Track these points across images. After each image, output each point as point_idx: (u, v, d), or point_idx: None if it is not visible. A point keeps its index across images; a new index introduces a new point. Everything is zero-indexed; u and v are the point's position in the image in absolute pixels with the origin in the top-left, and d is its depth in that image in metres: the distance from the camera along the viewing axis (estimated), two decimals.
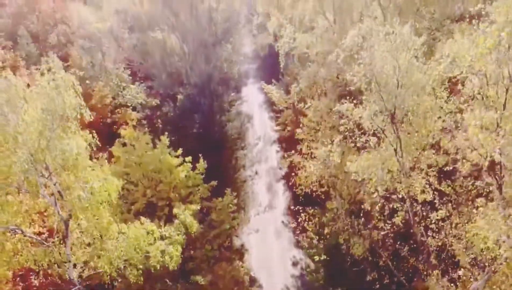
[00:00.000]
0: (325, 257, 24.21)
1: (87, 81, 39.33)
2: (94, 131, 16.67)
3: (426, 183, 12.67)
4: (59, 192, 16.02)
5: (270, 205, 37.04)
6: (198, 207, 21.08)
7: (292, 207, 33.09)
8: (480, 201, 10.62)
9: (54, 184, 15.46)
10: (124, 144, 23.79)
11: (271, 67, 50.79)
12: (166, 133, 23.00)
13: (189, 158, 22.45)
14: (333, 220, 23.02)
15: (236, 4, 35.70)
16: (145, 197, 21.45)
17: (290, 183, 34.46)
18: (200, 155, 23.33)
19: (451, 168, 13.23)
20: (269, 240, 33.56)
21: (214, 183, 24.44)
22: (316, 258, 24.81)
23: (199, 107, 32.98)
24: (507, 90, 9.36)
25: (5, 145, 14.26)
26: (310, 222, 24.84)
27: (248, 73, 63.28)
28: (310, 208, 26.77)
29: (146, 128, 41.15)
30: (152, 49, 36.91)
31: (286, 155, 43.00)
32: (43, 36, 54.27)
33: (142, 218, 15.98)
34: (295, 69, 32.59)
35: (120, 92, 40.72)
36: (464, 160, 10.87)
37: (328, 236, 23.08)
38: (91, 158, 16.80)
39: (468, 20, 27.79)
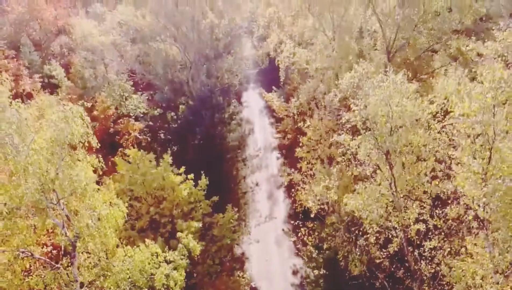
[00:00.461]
0: (324, 271, 24.82)
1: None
2: (100, 156, 17.25)
3: (419, 215, 13.27)
4: (66, 215, 16.63)
5: (271, 214, 37.71)
6: (200, 225, 21.69)
7: (292, 221, 33.77)
8: (468, 239, 11.19)
9: (62, 209, 16.06)
10: (128, 162, 24.42)
11: (271, 72, 51.41)
12: (169, 151, 23.56)
13: (191, 176, 23.04)
14: (332, 235, 23.63)
15: (238, 18, 36.25)
16: (148, 214, 22.06)
17: (291, 199, 35.22)
18: (202, 172, 23.89)
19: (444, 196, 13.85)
20: (269, 248, 34.16)
21: (215, 198, 25.04)
22: (316, 272, 25.44)
23: (200, 119, 33.57)
24: (491, 148, 9.91)
25: (16, 174, 14.82)
26: (310, 237, 25.43)
27: (249, 78, 63.75)
28: (310, 222, 27.37)
29: (148, 138, 41.89)
30: (155, 60, 37.49)
31: (286, 169, 43.70)
32: (46, 44, 54.83)
33: (147, 240, 16.56)
34: (295, 81, 33.14)
35: (123, 102, 41.34)
36: (452, 204, 11.47)
37: (327, 251, 23.67)
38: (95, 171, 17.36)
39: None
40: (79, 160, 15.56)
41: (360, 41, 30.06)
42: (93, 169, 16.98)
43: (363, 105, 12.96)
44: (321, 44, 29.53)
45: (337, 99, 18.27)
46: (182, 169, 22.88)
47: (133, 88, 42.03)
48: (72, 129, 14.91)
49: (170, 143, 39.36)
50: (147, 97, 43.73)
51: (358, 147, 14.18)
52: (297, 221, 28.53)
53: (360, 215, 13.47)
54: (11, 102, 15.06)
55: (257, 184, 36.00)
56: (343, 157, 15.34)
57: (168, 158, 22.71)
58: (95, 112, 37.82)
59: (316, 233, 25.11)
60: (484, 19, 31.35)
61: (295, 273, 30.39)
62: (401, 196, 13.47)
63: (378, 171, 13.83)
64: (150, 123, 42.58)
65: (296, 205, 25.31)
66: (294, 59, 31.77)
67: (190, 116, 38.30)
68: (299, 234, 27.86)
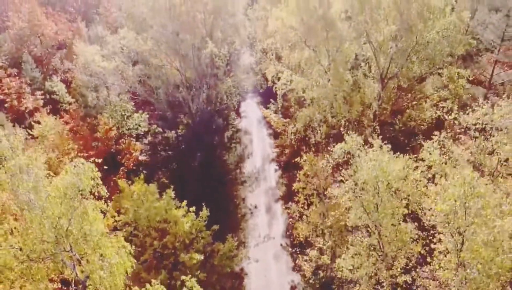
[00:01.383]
0: None
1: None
2: (109, 205, 18.32)
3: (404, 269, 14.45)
4: (78, 259, 17.75)
5: (270, 226, 38.71)
6: (202, 257, 22.84)
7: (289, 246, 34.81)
8: None
9: (74, 255, 17.15)
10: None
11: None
12: (172, 187, 24.66)
13: (193, 208, 24.17)
14: (329, 263, 24.80)
15: (237, 41, 37.28)
16: (152, 246, 23.18)
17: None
18: (203, 203, 25.01)
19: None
20: (268, 263, 35.25)
21: (215, 227, 26.17)
22: None
23: (200, 142, 34.63)
24: (462, 242, 11.06)
25: (32, 226, 15.89)
26: (307, 264, 26.59)
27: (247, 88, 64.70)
28: (307, 248, 28.55)
29: (149, 157, 42.87)
30: (156, 83, 38.49)
31: (283, 182, 44.75)
32: (47, 59, 55.70)
33: (153, 281, 17.66)
34: (292, 106, 34.30)
35: (124, 122, 42.29)
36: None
37: (323, 280, 24.85)
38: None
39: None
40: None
41: (355, 71, 31.21)
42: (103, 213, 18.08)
43: (352, 184, 14.13)
44: (317, 73, 30.63)
45: (330, 166, 19.41)
46: (184, 203, 23.99)
47: (134, 108, 43.00)
48: (83, 183, 15.95)
49: (170, 163, 40.45)
50: (147, 116, 44.73)
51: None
52: (295, 249, 29.61)
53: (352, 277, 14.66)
54: (48, 175, 16.14)
55: (255, 207, 37.08)
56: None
57: (170, 192, 23.82)
58: (97, 133, 38.79)
59: (313, 261, 26.25)
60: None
61: (293, 288, 31.53)
62: (390, 258, 14.64)
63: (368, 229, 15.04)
64: (150, 140, 43.63)
65: (294, 237, 26.44)
66: (291, 86, 32.90)
67: (190, 137, 39.34)
68: (297, 261, 29.02)
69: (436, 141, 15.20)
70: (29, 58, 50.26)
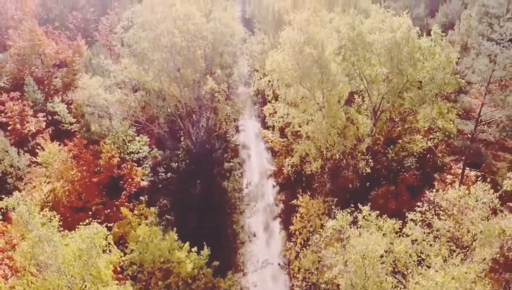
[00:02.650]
0: None
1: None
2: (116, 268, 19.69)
3: None
4: None
5: (268, 246, 40.06)
6: None
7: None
8: None
9: None
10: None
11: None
12: (175, 229, 26.05)
13: (194, 249, 25.59)
14: None
15: (236, 74, 38.63)
16: (157, 286, 24.59)
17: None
18: (204, 243, 26.44)
19: None
20: (266, 283, 36.65)
21: (216, 263, 27.60)
22: None
23: (200, 171, 35.96)
24: None
25: (49, 284, 17.19)
26: None
27: (245, 103, 65.90)
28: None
29: (150, 183, 44.10)
30: (157, 111, 39.78)
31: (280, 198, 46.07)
32: (48, 79, 56.69)
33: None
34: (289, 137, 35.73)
35: (125, 146, 43.57)
36: None
37: None
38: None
39: None
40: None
41: (348, 108, 32.66)
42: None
43: (343, 265, 15.60)
44: (312, 109, 32.03)
45: (322, 241, 20.81)
46: (187, 245, 25.40)
47: (136, 132, 44.23)
48: (96, 245, 17.29)
49: (171, 188, 41.73)
50: (148, 139, 45.99)
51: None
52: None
53: None
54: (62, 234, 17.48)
55: (254, 235, 38.49)
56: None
57: (173, 235, 25.24)
58: (100, 161, 40.00)
59: None
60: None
61: None
62: None
63: None
64: (151, 164, 44.87)
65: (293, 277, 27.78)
66: (288, 119, 34.32)
67: (191, 163, 40.63)
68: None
69: (418, 213, 16.66)
70: (31, 80, 51.22)
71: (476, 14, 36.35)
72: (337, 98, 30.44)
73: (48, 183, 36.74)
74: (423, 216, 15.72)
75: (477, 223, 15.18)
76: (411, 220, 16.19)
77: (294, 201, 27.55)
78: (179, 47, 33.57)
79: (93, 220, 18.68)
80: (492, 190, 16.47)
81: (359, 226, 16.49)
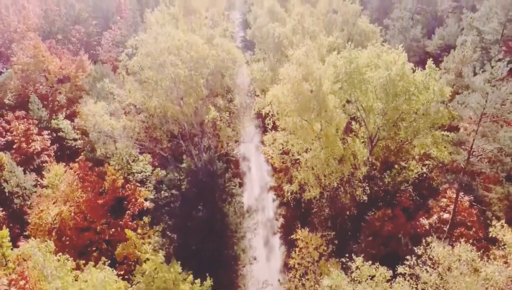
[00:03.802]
0: None
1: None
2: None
3: None
4: None
5: (268, 262, 41.16)
6: None
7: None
8: None
9: None
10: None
11: None
12: (179, 261, 27.19)
13: (198, 280, 26.79)
14: None
15: (237, 100, 39.80)
16: None
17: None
18: (207, 273, 27.61)
19: None
20: None
21: None
22: None
23: (202, 196, 36.96)
24: None
25: None
26: None
27: (245, 112, 66.83)
28: None
29: (154, 200, 45.20)
30: (160, 134, 40.88)
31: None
32: (52, 96, 57.74)
33: None
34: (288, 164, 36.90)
35: (129, 165, 44.70)
36: None
37: None
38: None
39: None
40: None
41: (346, 137, 33.81)
42: None
43: None
44: (310, 138, 33.16)
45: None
46: (190, 278, 26.59)
47: (139, 151, 45.33)
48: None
49: (174, 209, 42.82)
50: (151, 159, 47.13)
51: None
52: None
53: None
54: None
55: (255, 258, 39.65)
56: None
57: (178, 267, 26.41)
58: (105, 183, 41.11)
59: None
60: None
61: None
62: None
63: None
64: (154, 183, 45.97)
65: None
66: (287, 147, 35.49)
67: (193, 184, 41.63)
68: None
69: (406, 267, 17.84)
70: (36, 99, 52.26)
71: (471, 43, 37.45)
72: (334, 129, 31.55)
73: (55, 206, 37.84)
74: (411, 270, 16.86)
75: (459, 281, 16.39)
76: (400, 274, 17.35)
77: (293, 236, 28.75)
78: (182, 78, 34.65)
79: (105, 261, 19.73)
80: (473, 250, 17.69)
81: (352, 278, 17.65)
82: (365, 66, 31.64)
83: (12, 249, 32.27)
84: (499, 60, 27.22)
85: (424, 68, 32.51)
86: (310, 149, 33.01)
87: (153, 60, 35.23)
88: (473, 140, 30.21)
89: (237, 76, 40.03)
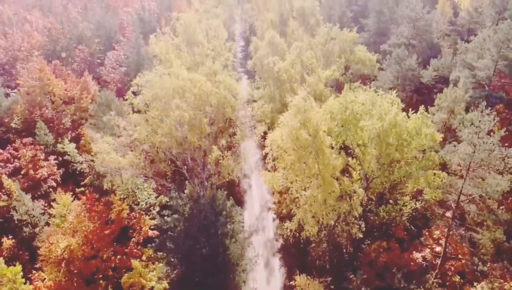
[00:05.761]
0: None
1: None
2: None
3: None
4: None
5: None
6: None
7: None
8: None
9: None
10: None
11: None
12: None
13: None
14: None
15: (239, 135, 41.45)
16: None
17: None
18: None
19: None
20: None
21: None
22: None
23: (205, 230, 38.66)
24: None
25: None
26: None
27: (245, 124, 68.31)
28: None
29: (158, 227, 46.89)
30: (164, 167, 42.54)
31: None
32: (58, 120, 59.14)
33: None
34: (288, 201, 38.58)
35: (134, 194, 46.41)
36: None
37: None
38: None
39: None
40: None
41: (342, 177, 35.51)
42: None
43: None
44: (308, 177, 34.85)
45: None
46: None
47: (143, 179, 46.98)
48: None
49: (177, 238, 44.53)
50: (154, 186, 48.80)
51: None
52: None
53: None
54: None
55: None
56: None
57: None
58: (111, 214, 42.77)
59: None
60: None
61: None
62: None
63: None
64: (158, 210, 47.68)
65: None
66: (286, 184, 37.18)
67: (195, 218, 43.27)
68: None
69: None
70: (42, 125, 53.69)
71: (463, 84, 39.05)
72: (331, 172, 33.22)
73: (64, 238, 39.46)
74: None
75: None
76: None
77: (292, 282, 30.42)
78: (186, 119, 36.24)
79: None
80: None
81: None
82: (361, 112, 33.28)
83: (25, 283, 34.19)
84: (488, 114, 28.81)
85: (419, 96, 34.13)
86: (309, 187, 34.68)
87: (158, 100, 36.84)
88: (462, 185, 31.92)
89: (239, 110, 41.65)
